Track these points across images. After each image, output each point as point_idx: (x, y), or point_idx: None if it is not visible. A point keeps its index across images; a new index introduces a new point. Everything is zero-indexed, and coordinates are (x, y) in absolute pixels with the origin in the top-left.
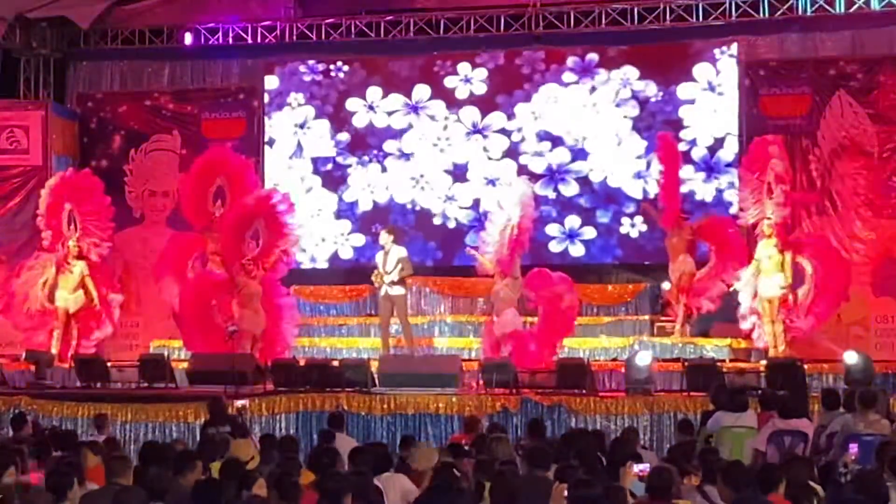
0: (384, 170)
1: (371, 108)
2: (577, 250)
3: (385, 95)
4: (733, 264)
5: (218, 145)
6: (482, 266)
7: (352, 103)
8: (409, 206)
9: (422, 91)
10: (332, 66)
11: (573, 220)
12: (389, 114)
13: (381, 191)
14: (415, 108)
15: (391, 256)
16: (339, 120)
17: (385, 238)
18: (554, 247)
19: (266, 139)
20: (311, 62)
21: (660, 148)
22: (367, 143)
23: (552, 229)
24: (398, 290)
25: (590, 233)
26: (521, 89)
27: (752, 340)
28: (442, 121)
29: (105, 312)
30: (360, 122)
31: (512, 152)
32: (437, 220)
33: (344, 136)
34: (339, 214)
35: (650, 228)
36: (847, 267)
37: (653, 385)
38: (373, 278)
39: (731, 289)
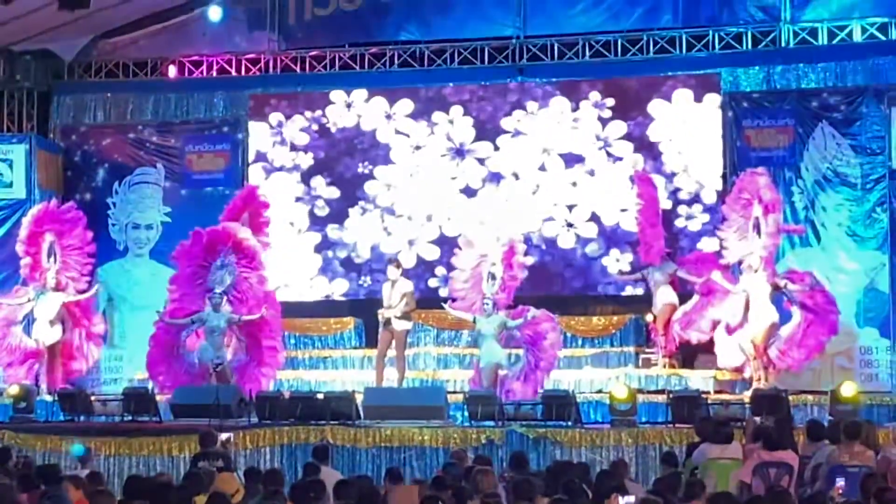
0: (370, 207)
1: (355, 141)
2: (562, 284)
3: (369, 129)
4: (717, 297)
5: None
6: (462, 320)
7: (336, 136)
8: (400, 246)
9: (406, 121)
10: (317, 100)
11: (557, 252)
12: (374, 147)
13: (368, 227)
14: (399, 139)
15: (396, 290)
16: (322, 156)
17: (393, 271)
18: (540, 278)
19: (249, 172)
20: (296, 104)
21: (638, 186)
22: (352, 185)
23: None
24: (402, 325)
25: (574, 264)
26: (503, 121)
27: (737, 372)
28: (426, 153)
29: (81, 349)
30: (343, 155)
31: (494, 184)
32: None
33: (326, 175)
34: (322, 260)
35: (635, 261)
36: (833, 301)
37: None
38: (379, 315)
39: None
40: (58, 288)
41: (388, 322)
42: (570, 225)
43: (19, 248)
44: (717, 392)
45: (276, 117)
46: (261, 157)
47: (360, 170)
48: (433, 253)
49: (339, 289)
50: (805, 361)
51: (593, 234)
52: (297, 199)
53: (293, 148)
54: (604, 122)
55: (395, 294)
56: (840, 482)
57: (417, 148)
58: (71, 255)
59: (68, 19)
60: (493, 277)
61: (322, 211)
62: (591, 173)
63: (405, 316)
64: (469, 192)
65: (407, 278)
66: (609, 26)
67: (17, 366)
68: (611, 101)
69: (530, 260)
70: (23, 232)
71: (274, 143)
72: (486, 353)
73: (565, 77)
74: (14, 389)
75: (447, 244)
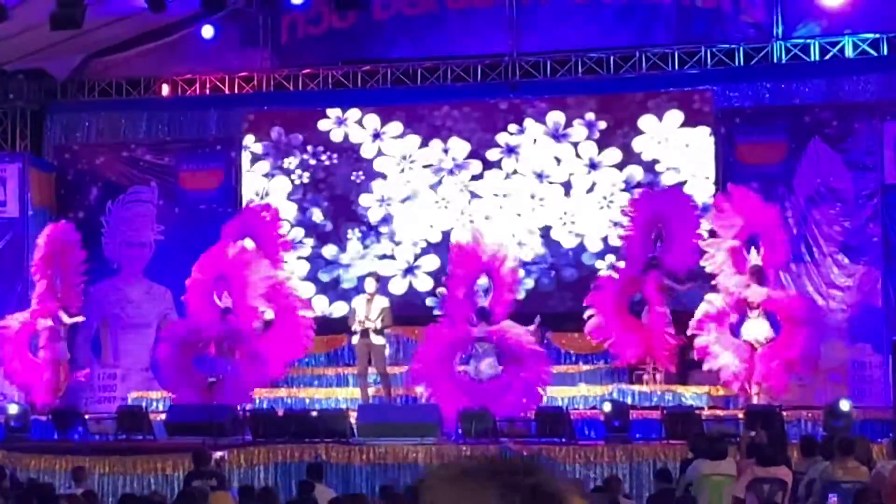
0: (364, 224)
1: (348, 158)
2: (555, 302)
3: (363, 147)
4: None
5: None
6: None
7: (329, 153)
8: (396, 264)
9: (398, 139)
10: (310, 117)
11: (550, 268)
12: (367, 165)
13: (362, 245)
14: (392, 156)
15: (375, 305)
16: (316, 174)
17: (370, 285)
18: (533, 294)
19: (243, 190)
20: (289, 121)
21: (633, 205)
22: (346, 203)
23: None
24: (378, 340)
25: (567, 280)
26: (496, 138)
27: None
28: (419, 170)
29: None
30: (336, 173)
31: (487, 200)
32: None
33: (320, 193)
34: (315, 278)
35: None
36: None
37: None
38: (355, 327)
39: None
40: (63, 308)
41: (364, 334)
42: (562, 241)
43: (34, 271)
44: (710, 408)
45: (269, 135)
46: (254, 175)
47: (353, 187)
48: (429, 270)
49: (333, 307)
50: (781, 380)
51: (586, 251)
52: (291, 217)
53: (287, 166)
54: (596, 138)
55: (374, 309)
56: (833, 498)
57: (410, 165)
58: (70, 275)
59: (61, 39)
60: (487, 290)
61: (315, 229)
62: (585, 189)
63: (381, 331)
64: (462, 208)
65: (403, 297)
66: (602, 43)
67: (31, 384)
68: (603, 117)
69: (521, 273)
70: (37, 254)
71: (268, 160)
72: (480, 367)
73: (558, 93)
74: (13, 408)
75: (442, 261)
